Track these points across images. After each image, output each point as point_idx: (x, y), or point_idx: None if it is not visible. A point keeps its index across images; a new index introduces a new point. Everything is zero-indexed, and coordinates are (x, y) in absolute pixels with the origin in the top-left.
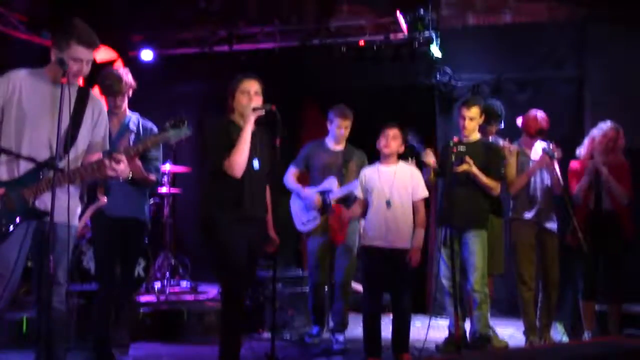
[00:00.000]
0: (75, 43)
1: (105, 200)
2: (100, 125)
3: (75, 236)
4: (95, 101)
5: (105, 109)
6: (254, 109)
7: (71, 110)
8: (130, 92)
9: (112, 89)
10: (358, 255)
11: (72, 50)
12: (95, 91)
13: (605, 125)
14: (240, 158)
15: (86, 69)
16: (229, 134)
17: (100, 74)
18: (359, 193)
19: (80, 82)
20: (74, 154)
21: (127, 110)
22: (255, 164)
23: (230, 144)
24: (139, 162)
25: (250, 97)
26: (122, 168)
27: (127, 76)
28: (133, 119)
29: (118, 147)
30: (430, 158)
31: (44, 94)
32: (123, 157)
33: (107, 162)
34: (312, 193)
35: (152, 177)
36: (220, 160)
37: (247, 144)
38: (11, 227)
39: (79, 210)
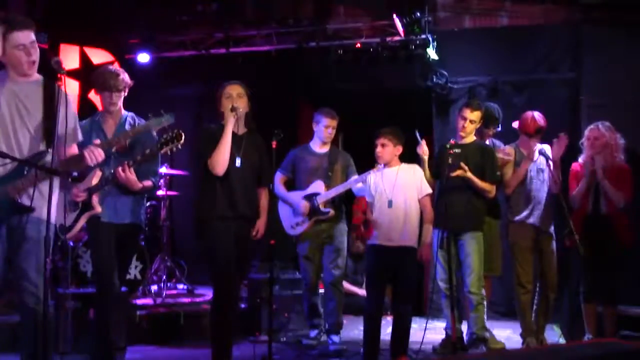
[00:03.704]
0: (10, 31)
1: (100, 210)
2: (69, 116)
3: (53, 232)
4: (61, 92)
5: (70, 98)
6: (232, 109)
7: (42, 107)
8: (126, 91)
9: (107, 84)
10: (359, 257)
11: (12, 39)
12: (94, 94)
13: (587, 129)
14: (220, 156)
15: (33, 51)
16: (217, 137)
17: (94, 72)
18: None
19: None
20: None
21: (123, 109)
22: (237, 162)
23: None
24: (132, 175)
25: (234, 100)
26: (99, 158)
27: (124, 74)
28: (129, 120)
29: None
30: (422, 150)
31: (10, 95)
32: (98, 147)
33: (86, 154)
34: (299, 199)
35: (148, 183)
36: (205, 160)
37: (227, 144)
38: None
39: (55, 209)
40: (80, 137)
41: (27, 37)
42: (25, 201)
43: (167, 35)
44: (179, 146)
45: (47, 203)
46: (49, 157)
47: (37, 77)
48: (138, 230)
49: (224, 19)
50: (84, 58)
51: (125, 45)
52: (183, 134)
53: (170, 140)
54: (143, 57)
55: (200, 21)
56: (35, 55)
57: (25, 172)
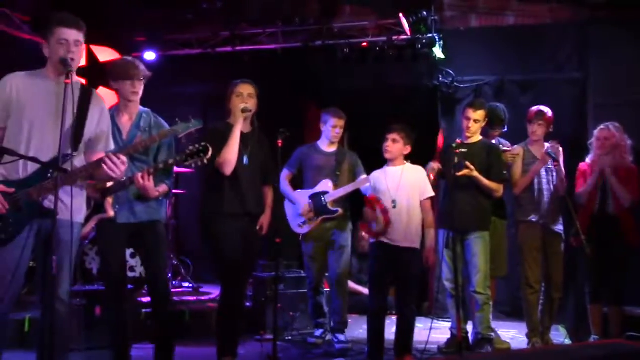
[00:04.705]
0: (57, 26)
1: (112, 214)
2: (102, 123)
3: (79, 235)
4: (98, 100)
5: (107, 109)
6: (243, 110)
7: (75, 109)
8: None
9: (130, 73)
10: (363, 256)
11: (56, 33)
12: (101, 90)
13: (597, 130)
14: (229, 155)
15: (75, 50)
16: (225, 136)
17: (111, 63)
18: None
19: (83, 81)
20: (80, 152)
21: (139, 105)
22: (245, 159)
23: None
24: (151, 183)
25: (244, 99)
26: (122, 169)
27: (142, 65)
28: (144, 116)
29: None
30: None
31: (47, 93)
32: (123, 157)
33: (107, 161)
34: (302, 199)
35: (163, 187)
36: (213, 159)
37: (236, 143)
38: (18, 229)
39: (84, 207)
40: (111, 145)
41: (71, 34)
42: (48, 204)
43: (174, 33)
44: (205, 160)
45: (70, 204)
46: (75, 161)
47: (77, 79)
48: (157, 227)
49: (230, 17)
50: (91, 56)
51: (131, 43)
52: (210, 147)
53: (197, 154)
54: (149, 56)
55: (206, 20)
56: (76, 55)
57: (49, 175)
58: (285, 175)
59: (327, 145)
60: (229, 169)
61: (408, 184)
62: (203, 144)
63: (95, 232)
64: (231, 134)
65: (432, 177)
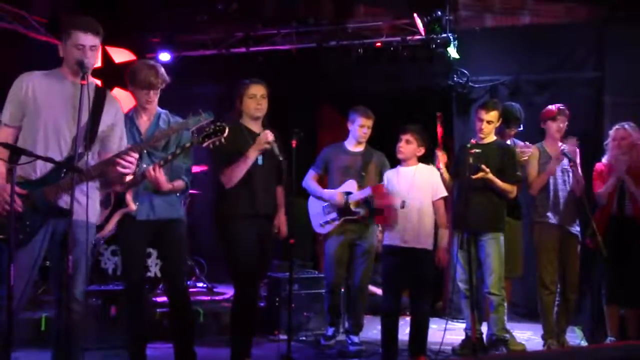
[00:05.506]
0: (74, 30)
1: (134, 207)
2: (116, 124)
3: (94, 235)
4: (113, 101)
5: (121, 110)
6: (269, 143)
7: (90, 110)
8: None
9: (147, 82)
10: (377, 257)
11: (73, 37)
12: (116, 91)
13: (612, 130)
14: (235, 175)
15: (91, 54)
16: (236, 141)
17: (133, 66)
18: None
19: (99, 83)
20: (93, 152)
21: (157, 106)
22: (259, 159)
23: (237, 151)
24: (161, 176)
25: (258, 100)
26: (132, 167)
27: (162, 69)
28: (163, 117)
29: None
30: (439, 163)
31: (63, 94)
32: (134, 154)
33: (118, 159)
34: (334, 192)
35: (179, 182)
36: (219, 169)
37: (247, 166)
38: (35, 229)
39: (97, 207)
40: (124, 146)
41: (89, 40)
42: (63, 204)
43: (188, 34)
44: (223, 140)
45: (86, 204)
46: (85, 161)
47: (92, 80)
48: (178, 225)
49: (245, 18)
50: (106, 57)
51: (146, 44)
52: (227, 126)
53: (214, 133)
54: (164, 56)
55: (220, 20)
56: (92, 59)
57: (62, 175)
58: (311, 175)
59: (353, 144)
60: (229, 186)
61: (420, 185)
62: (219, 123)
63: (115, 230)
64: (245, 157)
65: (442, 166)
